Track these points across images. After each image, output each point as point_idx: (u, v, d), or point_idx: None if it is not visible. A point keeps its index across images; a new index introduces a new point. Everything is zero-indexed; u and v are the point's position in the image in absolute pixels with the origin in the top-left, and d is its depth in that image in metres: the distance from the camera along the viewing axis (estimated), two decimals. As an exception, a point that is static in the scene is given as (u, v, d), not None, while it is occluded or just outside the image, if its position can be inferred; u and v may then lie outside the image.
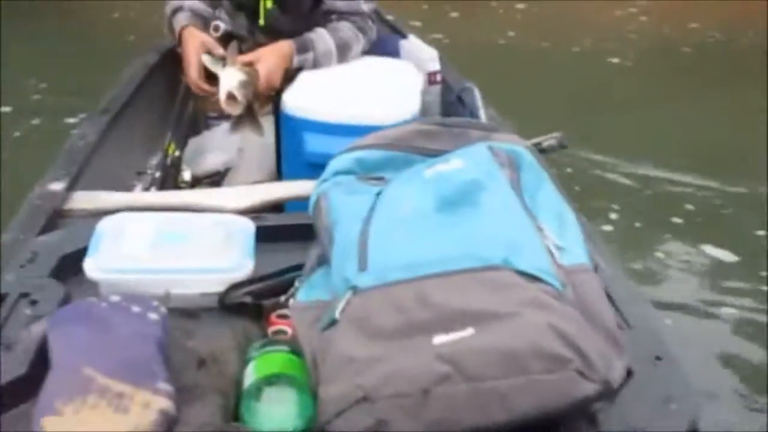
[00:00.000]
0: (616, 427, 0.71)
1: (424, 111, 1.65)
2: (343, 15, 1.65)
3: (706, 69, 4.45)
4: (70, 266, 0.96)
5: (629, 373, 0.70)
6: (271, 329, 0.89)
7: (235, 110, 1.47)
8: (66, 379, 0.73)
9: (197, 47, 1.50)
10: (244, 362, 0.79)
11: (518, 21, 5.75)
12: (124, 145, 1.68)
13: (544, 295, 0.70)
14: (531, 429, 0.64)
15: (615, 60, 4.73)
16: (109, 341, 0.78)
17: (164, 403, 0.70)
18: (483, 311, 0.67)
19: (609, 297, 0.79)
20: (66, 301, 0.90)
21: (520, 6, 6.16)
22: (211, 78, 1.53)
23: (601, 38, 5.18)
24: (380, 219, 0.80)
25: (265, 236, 1.02)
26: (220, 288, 0.92)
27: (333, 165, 0.97)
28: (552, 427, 0.66)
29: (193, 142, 1.91)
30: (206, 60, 1.50)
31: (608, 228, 2.71)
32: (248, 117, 1.52)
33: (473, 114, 1.68)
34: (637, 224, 2.80)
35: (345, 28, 1.64)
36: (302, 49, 1.58)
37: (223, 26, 1.87)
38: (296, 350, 0.78)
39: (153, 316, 0.82)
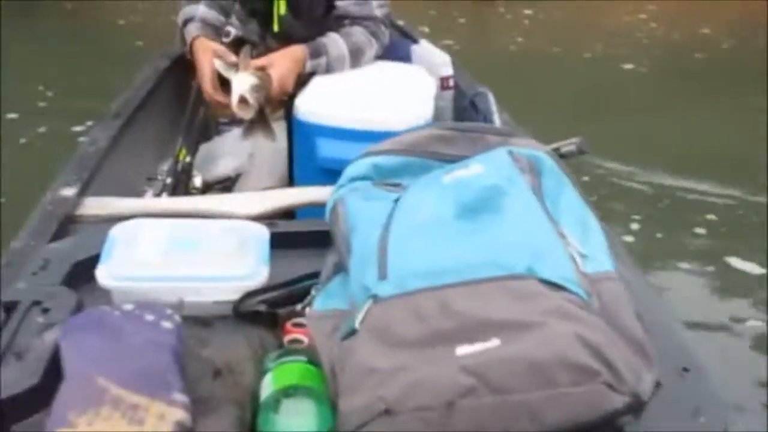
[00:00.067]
0: None
1: (437, 116, 1.64)
2: (356, 20, 1.64)
3: (720, 74, 4.41)
4: (82, 273, 0.95)
5: (657, 385, 0.68)
6: (286, 338, 0.88)
7: (247, 114, 1.46)
8: (79, 390, 0.72)
9: (210, 58, 1.49)
10: (261, 373, 0.77)
11: (527, 27, 5.74)
12: (135, 151, 1.67)
13: (569, 304, 0.68)
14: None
15: (628, 66, 4.70)
16: (122, 350, 0.76)
17: (180, 415, 0.69)
18: (507, 321, 0.65)
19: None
20: (78, 309, 0.88)
21: (528, 12, 6.15)
22: (224, 84, 1.52)
23: (612, 44, 5.15)
24: (399, 226, 0.78)
25: (278, 243, 1.00)
26: (235, 296, 0.90)
27: (349, 171, 0.95)
28: None
29: (204, 148, 1.90)
30: (218, 65, 1.48)
31: (627, 238, 2.65)
32: (260, 122, 1.51)
33: (487, 119, 1.66)
34: (658, 234, 2.73)
35: (358, 32, 1.63)
36: (315, 53, 1.57)
37: (233, 32, 1.87)
38: (314, 360, 0.77)
39: (167, 324, 0.80)
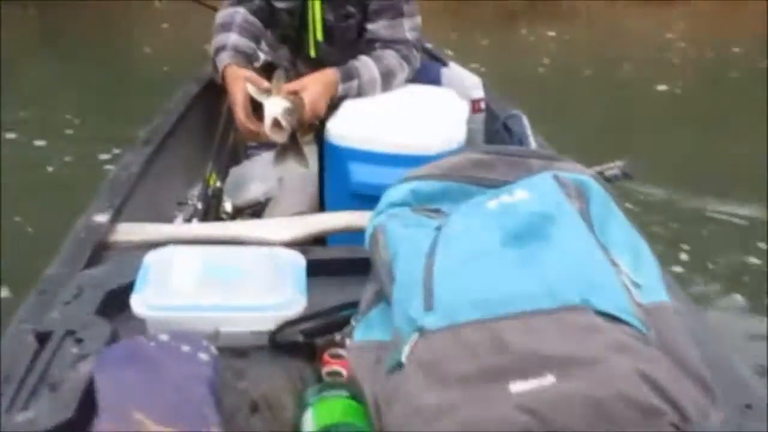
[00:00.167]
0: None
1: (469, 140, 1.61)
2: (387, 43, 1.63)
3: (759, 94, 4.21)
4: (116, 302, 0.93)
5: (723, 424, 0.64)
6: (325, 369, 0.85)
7: (281, 138, 1.44)
8: (114, 425, 0.69)
9: (242, 85, 1.48)
10: (300, 407, 0.74)
11: (553, 48, 5.71)
12: (166, 176, 1.66)
13: (628, 337, 0.65)
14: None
15: (662, 87, 4.60)
16: (158, 383, 0.74)
17: (218, 452, 0.66)
18: (564, 356, 0.62)
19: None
20: (113, 338, 0.86)
21: (551, 33, 6.13)
22: (256, 110, 1.51)
23: (643, 65, 5.06)
24: (444, 255, 0.75)
25: (314, 270, 0.98)
26: (271, 326, 0.88)
27: (388, 196, 0.93)
28: None
29: (233, 173, 1.89)
30: (251, 90, 1.47)
31: (672, 266, 2.52)
32: (292, 148, 1.49)
33: (522, 142, 1.63)
34: (704, 262, 2.60)
35: (389, 56, 1.61)
36: (347, 77, 1.56)
37: (263, 56, 1.87)
38: (356, 395, 0.74)
39: (203, 356, 0.78)
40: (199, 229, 1.32)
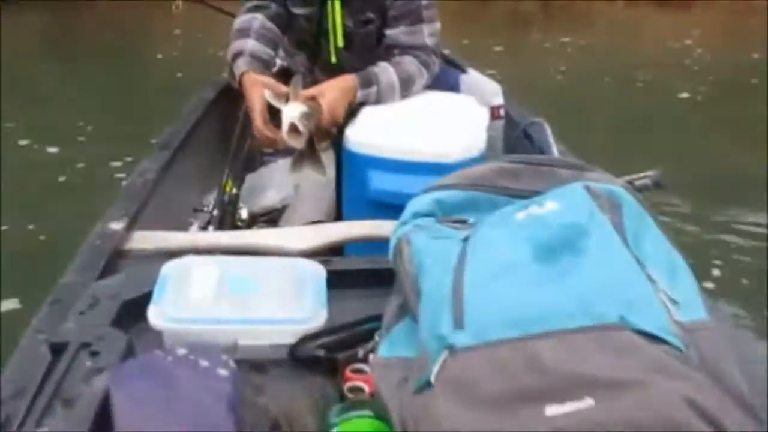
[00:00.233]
0: None
1: (488, 147, 1.58)
2: (406, 49, 1.60)
3: None
4: (132, 313, 0.91)
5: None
6: (346, 385, 0.82)
7: (298, 143, 1.41)
8: (131, 444, 0.67)
9: (260, 92, 1.45)
10: (324, 427, 0.71)
11: (570, 54, 5.65)
12: (182, 183, 1.65)
13: (670, 358, 0.62)
14: None
15: (684, 95, 4.52)
16: (176, 400, 0.71)
17: (238, 473, 0.63)
18: (603, 378, 0.59)
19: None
20: (129, 351, 0.84)
21: (566, 39, 6.08)
22: (273, 117, 1.48)
23: (663, 72, 4.97)
24: (474, 269, 0.72)
25: (335, 281, 0.95)
26: (291, 339, 0.85)
27: (412, 206, 0.90)
28: None
29: (249, 179, 1.87)
30: (268, 95, 1.45)
31: (704, 282, 2.44)
32: (310, 156, 1.46)
33: (543, 151, 1.60)
34: (744, 280, 2.49)
35: (408, 62, 1.59)
36: (365, 83, 1.53)
37: (279, 62, 1.85)
38: (380, 414, 0.71)
39: (222, 371, 0.75)
40: (215, 237, 1.30)
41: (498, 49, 5.79)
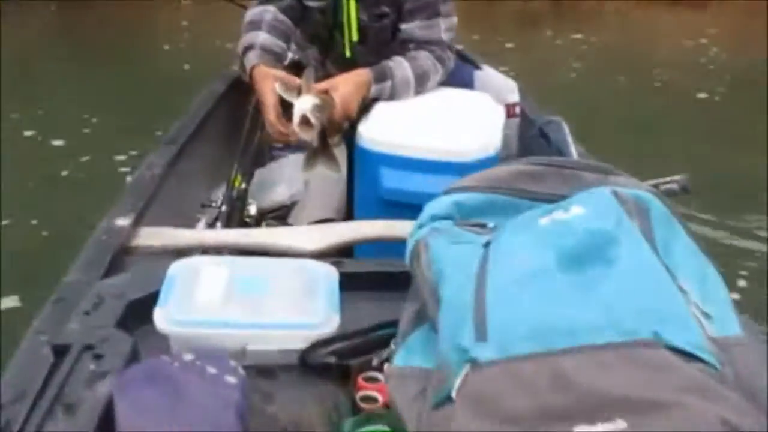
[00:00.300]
0: None
1: (503, 146, 1.54)
2: (421, 44, 1.56)
3: None
4: (137, 314, 0.88)
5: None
6: (359, 394, 0.79)
7: (309, 136, 1.37)
8: (134, 455, 0.64)
9: (271, 85, 1.41)
10: (335, 439, 0.68)
11: (582, 52, 5.58)
12: (190, 178, 1.62)
13: (706, 377, 0.58)
14: None
15: (702, 95, 4.41)
16: (182, 409, 0.68)
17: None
18: (635, 398, 0.55)
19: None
20: (133, 354, 0.81)
21: (577, 36, 6.01)
22: (285, 110, 1.44)
23: (679, 71, 4.85)
24: (496, 276, 0.69)
25: (347, 284, 0.92)
26: (302, 345, 0.82)
27: (430, 209, 0.86)
28: None
29: (258, 174, 1.83)
30: (279, 88, 1.41)
31: (733, 296, 2.30)
32: (323, 153, 1.42)
33: (561, 151, 1.56)
34: (760, 288, 2.37)
35: (424, 57, 1.55)
36: (380, 77, 1.49)
37: (290, 55, 1.81)
38: (395, 427, 0.67)
39: (231, 379, 0.72)
40: (223, 235, 1.27)
41: (509, 45, 5.71)
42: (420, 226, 0.85)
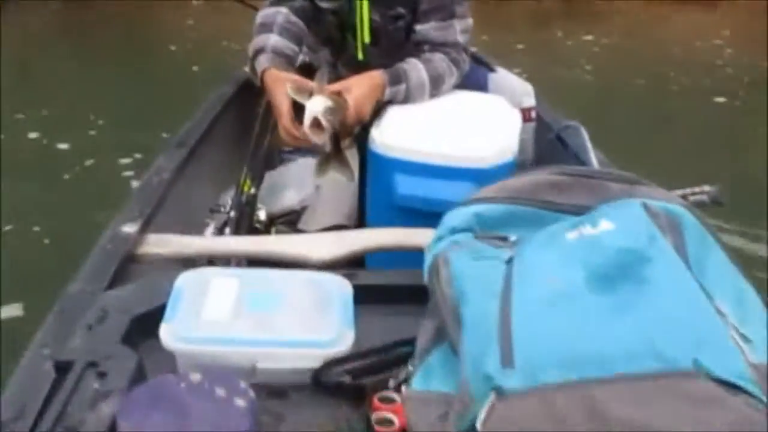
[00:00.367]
0: None
1: (519, 151, 1.50)
2: (436, 46, 1.52)
3: None
4: (143, 328, 0.84)
5: None
6: (374, 416, 0.75)
7: (320, 139, 1.33)
8: (138, 484, 0.60)
9: (285, 91, 1.37)
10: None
11: (593, 53, 5.51)
12: (198, 182, 1.58)
13: (751, 411, 0.54)
14: None
15: (720, 99, 4.27)
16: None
17: None
18: (679, 435, 0.51)
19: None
20: (139, 372, 0.77)
21: (588, 37, 5.93)
22: (298, 113, 1.40)
23: (694, 74, 4.72)
24: (522, 297, 0.65)
25: (362, 297, 0.88)
26: (315, 363, 0.78)
27: (449, 220, 0.83)
28: None
29: (268, 177, 1.80)
30: (290, 90, 1.37)
31: None
32: (336, 158, 1.38)
33: (579, 157, 1.51)
34: None
35: (439, 59, 1.50)
36: (394, 80, 1.45)
37: (301, 57, 1.77)
38: (414, 455, 0.64)
39: (240, 402, 0.69)
40: (232, 243, 1.23)
41: (520, 46, 5.63)
42: (439, 239, 0.81)
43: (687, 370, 0.55)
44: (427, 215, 1.33)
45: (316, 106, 1.32)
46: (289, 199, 1.76)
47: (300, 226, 1.73)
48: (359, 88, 1.40)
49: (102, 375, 0.76)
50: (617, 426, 0.52)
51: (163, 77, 4.56)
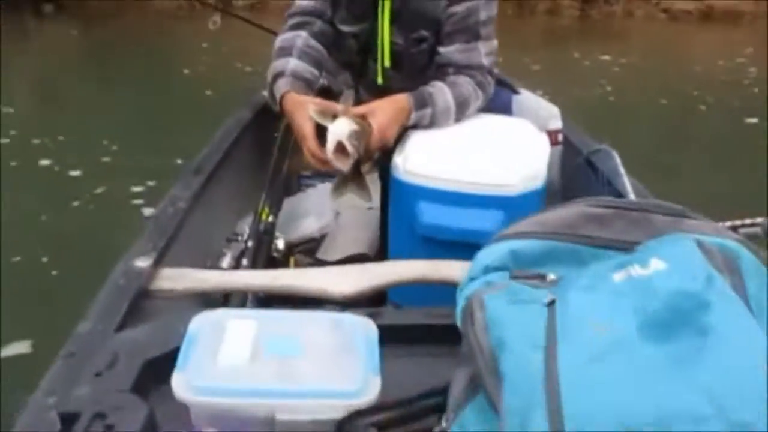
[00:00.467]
0: None
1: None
2: (461, 69, 1.47)
3: None
4: (155, 374, 0.79)
5: None
6: (403, 475, 0.69)
7: (345, 165, 1.27)
8: None
9: (308, 114, 1.31)
10: None
11: (613, 74, 5.44)
12: (216, 210, 1.54)
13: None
14: None
15: (752, 120, 4.15)
16: (202, 500, 0.59)
17: None
18: None
19: None
20: (149, 424, 0.72)
21: (606, 57, 5.86)
22: (319, 137, 1.35)
23: (722, 94, 4.60)
24: (569, 348, 0.58)
25: (387, 338, 0.82)
26: (338, 414, 0.72)
27: (482, 258, 0.77)
28: None
29: (287, 204, 1.75)
30: (312, 111, 1.31)
31: None
32: (354, 179, 1.32)
33: (611, 183, 1.45)
34: None
35: (464, 82, 1.45)
36: (420, 104, 1.40)
37: (320, 81, 1.73)
38: None
39: (258, 462, 0.63)
40: (249, 277, 1.18)
41: (536, 67, 5.58)
42: (471, 279, 0.75)
43: (762, 435, 0.49)
44: (453, 245, 1.28)
45: (340, 129, 1.26)
46: (308, 227, 1.71)
47: (319, 255, 1.68)
48: (384, 112, 1.34)
49: (110, 428, 0.70)
50: (688, 505, 0.46)
51: (176, 101, 4.56)
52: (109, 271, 1.08)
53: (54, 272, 2.52)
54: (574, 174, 1.61)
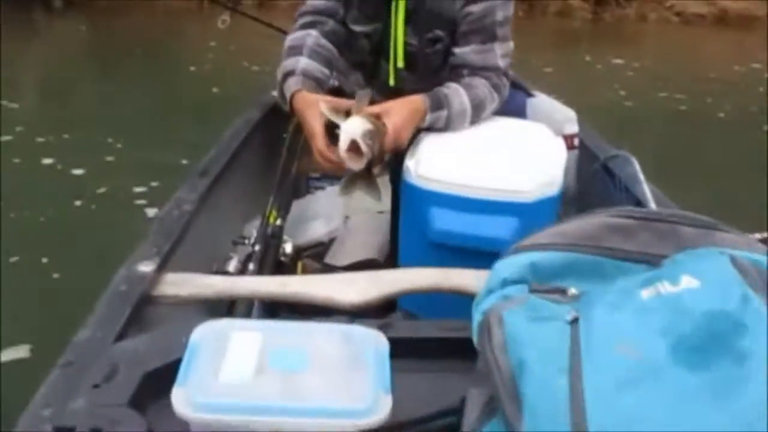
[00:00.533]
0: None
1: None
2: (476, 70, 1.42)
3: None
4: (155, 387, 0.76)
5: None
6: (414, 499, 0.65)
7: (357, 164, 1.22)
8: None
9: (317, 112, 1.27)
10: None
11: (625, 78, 5.38)
12: (222, 212, 1.50)
13: None
14: None
15: None
16: None
17: None
18: None
19: None
20: (147, 442, 0.68)
21: (618, 61, 5.79)
22: (330, 137, 1.30)
23: (739, 101, 4.50)
24: (595, 371, 0.55)
25: (398, 351, 0.78)
26: (347, 434, 0.68)
27: (500, 271, 0.73)
28: None
29: (295, 206, 1.71)
30: (324, 109, 1.27)
31: None
32: (363, 177, 1.27)
33: (629, 189, 1.41)
34: None
35: (480, 85, 1.41)
36: (436, 105, 1.35)
37: (331, 81, 1.69)
38: None
39: (261, 486, 0.59)
40: (255, 283, 1.14)
41: (548, 70, 5.52)
42: (489, 293, 0.71)
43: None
44: (465, 253, 1.24)
45: (354, 127, 1.21)
46: (317, 231, 1.67)
47: (327, 260, 1.64)
48: (399, 112, 1.30)
49: (106, 445, 0.67)
50: None
51: (182, 99, 4.52)
52: (111, 274, 1.05)
53: (55, 275, 2.48)
54: (591, 180, 1.57)
